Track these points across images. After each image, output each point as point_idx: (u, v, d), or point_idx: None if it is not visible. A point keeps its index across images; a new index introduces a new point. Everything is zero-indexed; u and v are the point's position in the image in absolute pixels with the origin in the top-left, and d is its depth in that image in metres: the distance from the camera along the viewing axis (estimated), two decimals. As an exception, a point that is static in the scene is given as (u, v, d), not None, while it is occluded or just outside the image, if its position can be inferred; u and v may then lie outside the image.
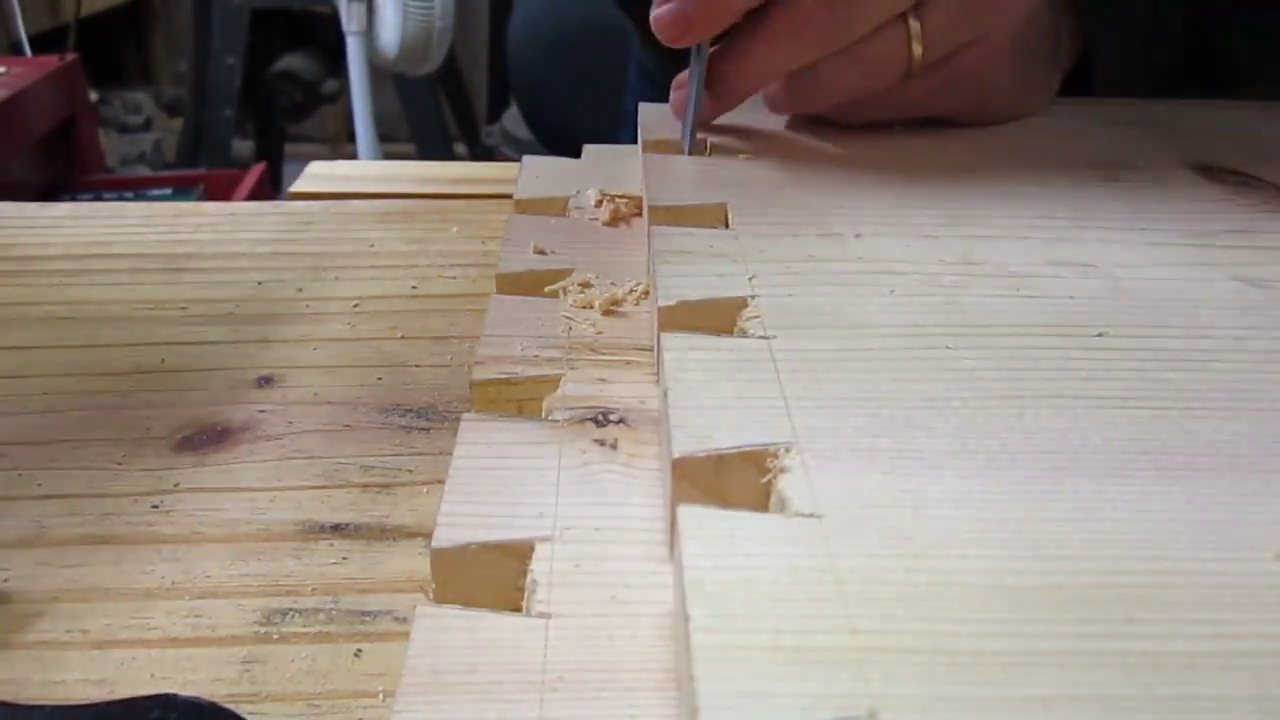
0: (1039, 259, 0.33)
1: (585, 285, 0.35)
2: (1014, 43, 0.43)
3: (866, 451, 0.24)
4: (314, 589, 0.27)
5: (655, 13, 0.38)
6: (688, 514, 0.22)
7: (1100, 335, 0.29)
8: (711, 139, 0.43)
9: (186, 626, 0.26)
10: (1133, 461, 0.24)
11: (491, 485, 0.26)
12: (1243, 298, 0.31)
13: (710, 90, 0.42)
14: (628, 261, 0.38)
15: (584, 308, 0.34)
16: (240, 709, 0.23)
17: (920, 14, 0.39)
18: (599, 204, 0.41)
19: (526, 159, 0.47)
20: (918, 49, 0.39)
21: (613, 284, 0.35)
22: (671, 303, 0.30)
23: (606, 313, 0.34)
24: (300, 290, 0.43)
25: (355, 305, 0.42)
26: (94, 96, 1.64)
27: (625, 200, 0.41)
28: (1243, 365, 0.28)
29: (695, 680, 0.18)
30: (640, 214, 0.40)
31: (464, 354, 0.38)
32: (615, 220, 0.40)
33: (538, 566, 0.24)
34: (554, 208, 0.42)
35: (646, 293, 0.35)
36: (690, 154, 0.41)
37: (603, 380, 0.31)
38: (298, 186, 0.54)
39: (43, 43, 1.59)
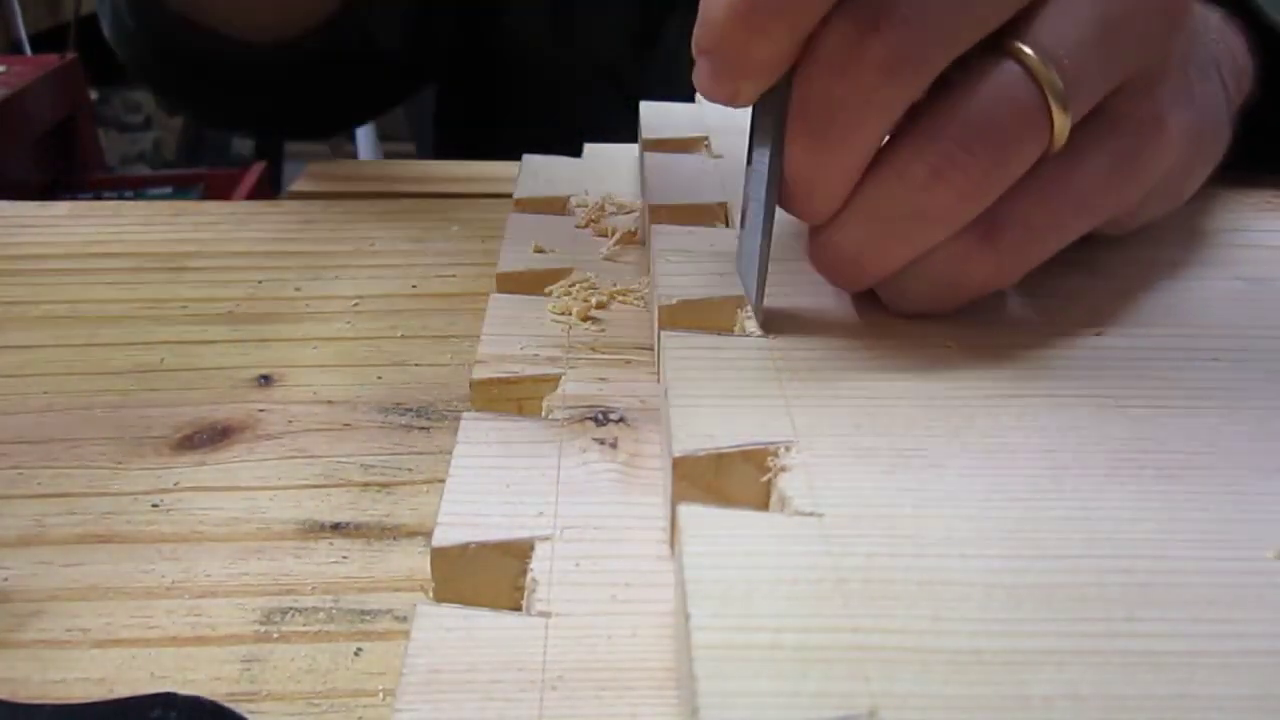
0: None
1: (590, 286, 0.35)
2: (1183, 79, 0.29)
3: (866, 451, 0.24)
4: (314, 588, 0.27)
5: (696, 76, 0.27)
6: (688, 513, 0.22)
7: (1099, 334, 0.29)
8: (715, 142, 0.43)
9: (186, 626, 0.26)
10: (1133, 461, 0.24)
11: (491, 485, 0.26)
12: (1243, 297, 0.31)
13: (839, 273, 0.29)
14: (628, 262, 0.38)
15: (563, 314, 0.34)
16: (240, 708, 0.23)
17: (1036, 39, 0.25)
18: (591, 221, 0.41)
19: (526, 159, 0.47)
20: (1054, 80, 0.25)
21: (594, 288, 0.35)
22: (671, 302, 0.30)
23: (585, 319, 0.34)
24: (300, 289, 0.43)
25: (355, 304, 0.42)
26: (94, 95, 1.64)
27: (619, 215, 0.41)
28: (1243, 365, 0.28)
29: (695, 679, 0.18)
30: (636, 238, 0.39)
31: (464, 353, 0.38)
32: (614, 251, 0.39)
33: (538, 566, 0.24)
34: (554, 207, 0.42)
35: (624, 294, 0.35)
36: (760, 315, 0.29)
37: (603, 379, 0.31)
38: (298, 186, 0.54)
39: (43, 42, 1.60)
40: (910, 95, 0.25)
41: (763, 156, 0.27)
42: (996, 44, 0.25)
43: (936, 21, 0.24)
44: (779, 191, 0.27)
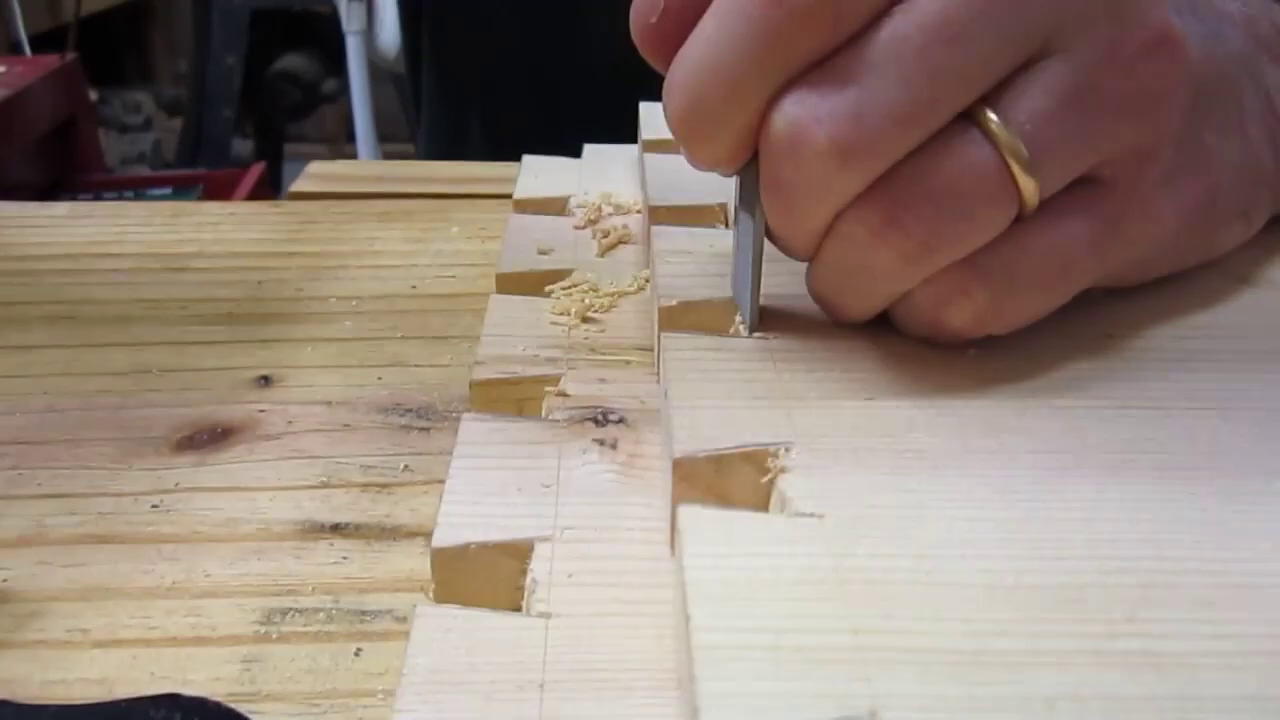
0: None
1: (590, 287, 0.35)
2: (1190, 148, 0.28)
3: (867, 451, 0.24)
4: (314, 589, 0.27)
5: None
6: (688, 514, 0.22)
7: (1109, 336, 0.29)
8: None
9: (186, 626, 0.26)
10: (1133, 461, 0.24)
11: (491, 485, 0.26)
12: (1243, 297, 0.31)
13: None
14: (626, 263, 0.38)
15: (563, 314, 0.34)
16: (240, 708, 0.23)
17: (1004, 110, 0.24)
18: (591, 222, 0.41)
19: (526, 159, 0.47)
20: (1018, 148, 0.24)
21: (594, 289, 0.35)
22: (671, 303, 0.30)
23: (585, 319, 0.34)
24: (300, 290, 0.43)
25: (355, 305, 0.42)
26: (94, 96, 1.64)
27: (618, 217, 0.41)
28: (1243, 365, 0.28)
29: (695, 680, 0.18)
30: (632, 239, 0.40)
31: (464, 354, 0.38)
32: (606, 251, 0.39)
33: (538, 566, 0.24)
34: (554, 208, 0.42)
35: (624, 294, 0.35)
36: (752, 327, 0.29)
37: (603, 380, 0.31)
38: (298, 186, 0.54)
39: (43, 43, 1.60)
40: (861, 181, 0.25)
41: (746, 199, 0.27)
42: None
43: (888, 108, 0.24)
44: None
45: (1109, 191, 0.27)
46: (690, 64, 0.25)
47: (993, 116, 0.24)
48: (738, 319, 0.29)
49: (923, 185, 0.24)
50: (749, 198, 0.27)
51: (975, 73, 0.24)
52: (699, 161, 0.27)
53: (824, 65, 0.24)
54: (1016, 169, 0.24)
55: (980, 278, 0.26)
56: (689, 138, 0.26)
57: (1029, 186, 0.25)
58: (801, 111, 0.24)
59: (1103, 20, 0.25)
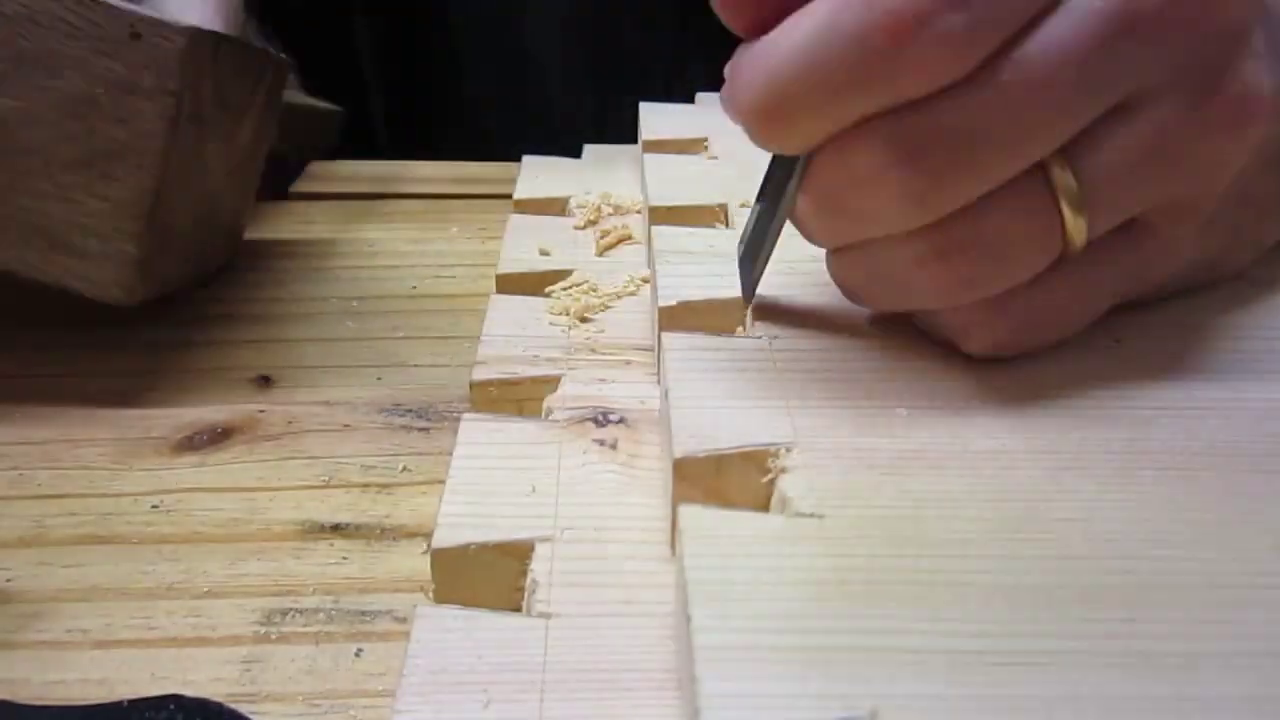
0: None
1: (590, 287, 0.35)
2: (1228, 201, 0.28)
3: (867, 451, 0.24)
4: (314, 589, 0.27)
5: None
6: (689, 514, 0.22)
7: (1118, 341, 0.29)
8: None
9: (186, 626, 0.26)
10: (1133, 461, 0.24)
11: (492, 485, 0.26)
12: (1244, 297, 0.31)
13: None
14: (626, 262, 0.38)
15: (563, 315, 0.34)
16: (240, 709, 0.23)
17: (1074, 160, 0.24)
18: (591, 222, 0.41)
19: (526, 159, 0.47)
20: (1077, 221, 0.24)
21: (594, 289, 0.35)
22: (671, 303, 0.30)
23: (585, 320, 0.34)
24: (300, 290, 0.43)
25: (355, 305, 0.42)
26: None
27: (618, 217, 0.41)
28: (1243, 365, 0.28)
29: (696, 680, 0.18)
30: (631, 239, 0.39)
31: (464, 354, 0.38)
32: (606, 251, 0.39)
33: (538, 566, 0.24)
34: (554, 208, 0.42)
35: (623, 295, 0.35)
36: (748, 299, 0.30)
37: (603, 380, 0.31)
38: (298, 186, 0.54)
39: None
40: (923, 221, 0.24)
41: (783, 165, 0.26)
42: None
43: (970, 162, 0.23)
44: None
45: (1144, 239, 0.27)
46: (784, 54, 0.23)
47: (1063, 171, 0.24)
48: (743, 291, 0.29)
49: (979, 228, 0.24)
50: (790, 174, 0.26)
51: (1065, 133, 0.23)
52: (757, 143, 0.25)
53: (920, 106, 0.23)
54: (1071, 220, 0.24)
55: (1005, 315, 0.26)
56: (758, 123, 0.24)
57: (1078, 237, 0.25)
58: (887, 151, 0.23)
59: (1193, 75, 0.24)
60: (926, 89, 0.23)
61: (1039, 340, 0.27)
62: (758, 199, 0.28)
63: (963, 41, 0.22)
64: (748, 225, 0.28)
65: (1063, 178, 0.24)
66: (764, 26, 0.24)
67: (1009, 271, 0.25)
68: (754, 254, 0.28)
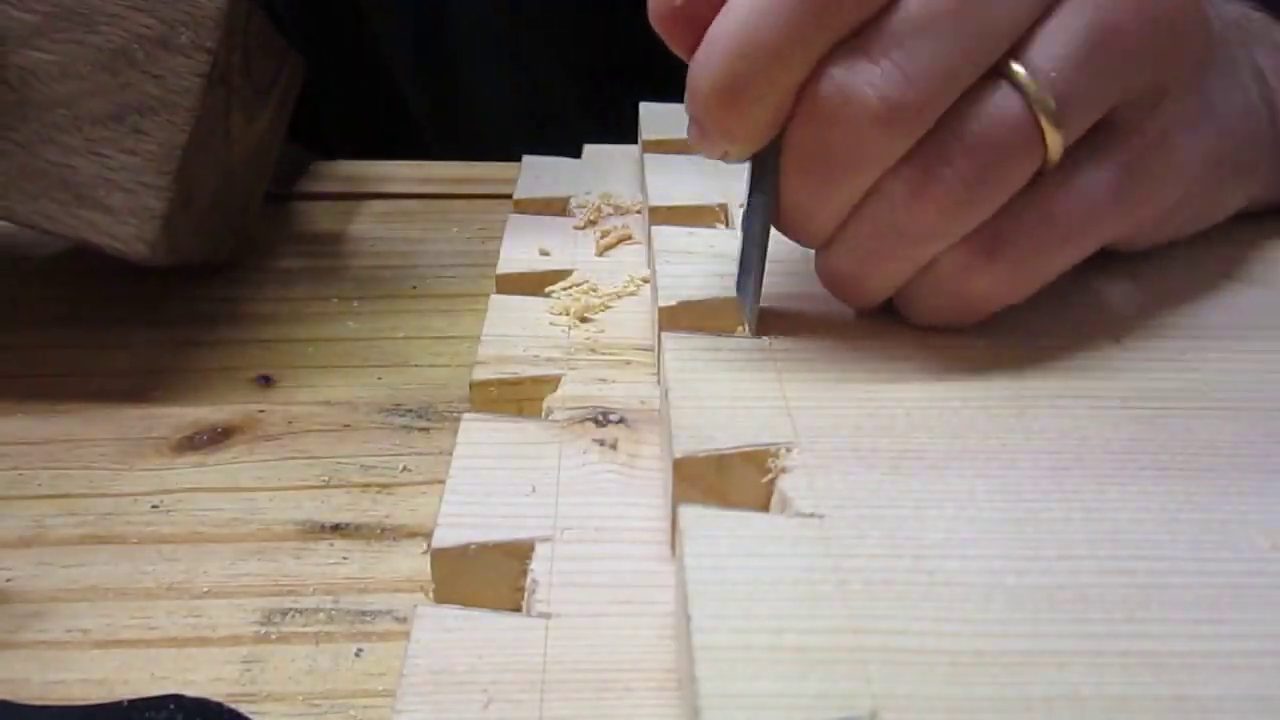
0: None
1: (590, 288, 0.35)
2: (1198, 96, 0.28)
3: (867, 451, 0.24)
4: (314, 589, 0.27)
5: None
6: (689, 514, 0.22)
7: (1118, 341, 0.29)
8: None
9: (186, 626, 0.26)
10: (1133, 461, 0.24)
11: (492, 485, 0.26)
12: (1245, 298, 0.31)
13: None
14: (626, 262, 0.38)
15: (563, 315, 0.34)
16: (240, 709, 0.23)
17: (1031, 59, 0.25)
18: (591, 222, 0.41)
19: (526, 159, 0.47)
20: (1044, 97, 0.25)
21: (594, 289, 0.35)
22: (671, 303, 0.30)
23: (585, 320, 0.34)
24: (301, 290, 0.43)
25: (355, 305, 0.42)
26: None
27: (618, 217, 0.41)
28: (1243, 365, 0.28)
29: (696, 680, 0.18)
30: (631, 239, 0.39)
31: (464, 354, 0.38)
32: (606, 251, 0.39)
33: (538, 566, 0.24)
34: (554, 208, 0.42)
35: (623, 295, 0.35)
36: (752, 326, 0.29)
37: (603, 380, 0.31)
38: (298, 186, 0.54)
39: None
40: (907, 142, 0.25)
41: (760, 183, 0.27)
42: None
43: (931, 67, 0.24)
44: (777, 216, 0.27)
45: (1127, 136, 0.27)
46: (726, 38, 0.25)
47: (1019, 68, 0.25)
48: (745, 316, 0.29)
49: (958, 140, 0.25)
50: (765, 180, 0.27)
51: (1008, 24, 0.24)
52: (726, 140, 0.26)
53: (864, 30, 0.24)
54: (1043, 117, 0.25)
55: (1002, 243, 0.26)
56: (723, 114, 0.25)
57: (1053, 135, 0.25)
58: (850, 77, 0.24)
59: None
60: (867, 9, 0.24)
61: (1038, 268, 0.27)
62: (742, 225, 0.28)
63: None
64: (739, 254, 0.29)
65: (1023, 77, 0.25)
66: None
67: (996, 182, 0.25)
68: (749, 279, 0.29)
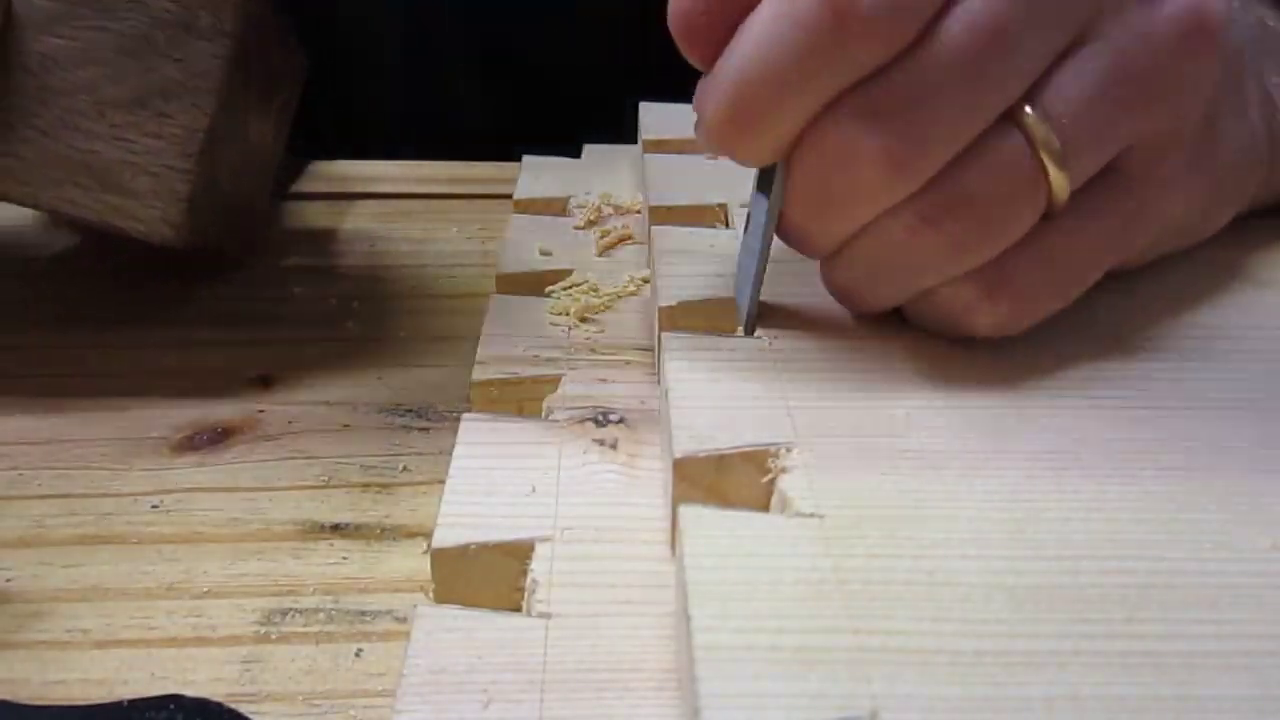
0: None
1: (590, 287, 0.35)
2: (1206, 133, 0.28)
3: (867, 451, 0.24)
4: (314, 589, 0.27)
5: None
6: (689, 514, 0.22)
7: (1111, 337, 0.29)
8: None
9: (186, 626, 0.26)
10: (1133, 461, 0.24)
11: (492, 485, 0.26)
12: (1245, 298, 0.32)
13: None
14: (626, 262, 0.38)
15: (563, 315, 0.34)
16: (240, 709, 0.23)
17: (1041, 104, 0.24)
18: (591, 222, 0.41)
19: (526, 159, 0.47)
20: (1057, 167, 0.24)
21: (594, 289, 0.35)
22: (671, 303, 0.30)
23: (585, 320, 0.34)
24: (300, 289, 0.43)
25: (355, 305, 0.42)
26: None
27: (618, 217, 0.41)
28: (1244, 365, 0.28)
29: (696, 680, 0.18)
30: (631, 239, 0.40)
31: (464, 354, 0.37)
32: (606, 251, 0.39)
33: (538, 566, 0.24)
34: (554, 208, 0.42)
35: (623, 295, 0.35)
36: (749, 327, 0.29)
37: (603, 380, 0.31)
38: (298, 186, 0.54)
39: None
40: (914, 185, 0.24)
41: (764, 185, 0.27)
42: None
43: (941, 130, 0.24)
44: (779, 224, 0.27)
45: (1130, 184, 0.27)
46: (741, 61, 0.24)
47: (1030, 112, 0.24)
48: (745, 316, 0.29)
49: (961, 185, 0.24)
50: (770, 192, 0.27)
51: (1023, 74, 0.24)
52: (729, 158, 0.26)
53: (879, 76, 0.24)
54: (1049, 164, 0.24)
55: (1004, 285, 0.26)
56: (730, 135, 0.25)
57: (1060, 181, 0.25)
58: (859, 128, 0.24)
59: (1136, 2, 0.25)
60: (881, 57, 0.23)
61: (1040, 307, 0.27)
62: (745, 231, 0.28)
63: (906, 2, 0.23)
64: (739, 260, 0.29)
65: (1032, 122, 0.24)
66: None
67: (998, 229, 0.25)
68: (748, 285, 0.29)
